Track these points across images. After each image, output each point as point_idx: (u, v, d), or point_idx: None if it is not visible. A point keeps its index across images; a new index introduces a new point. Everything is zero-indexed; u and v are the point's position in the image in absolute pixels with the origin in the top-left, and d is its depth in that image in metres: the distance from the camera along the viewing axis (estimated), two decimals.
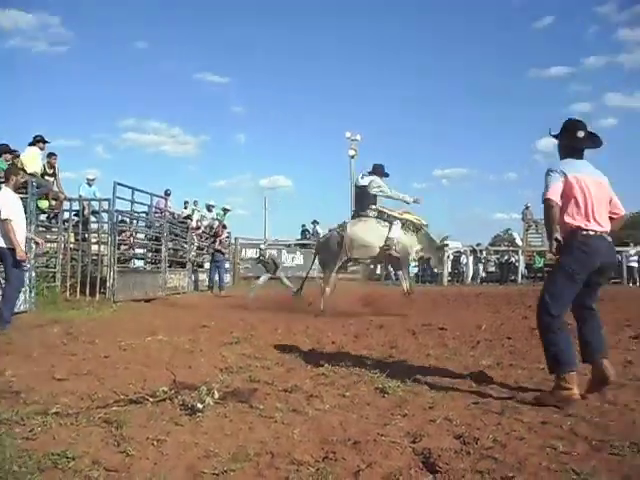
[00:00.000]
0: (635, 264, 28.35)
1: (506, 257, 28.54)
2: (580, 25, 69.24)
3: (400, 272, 12.84)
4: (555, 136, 4.91)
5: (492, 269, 29.05)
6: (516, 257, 28.14)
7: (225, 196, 79.54)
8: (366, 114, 68.92)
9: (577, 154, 4.79)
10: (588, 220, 4.55)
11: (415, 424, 3.88)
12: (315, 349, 6.90)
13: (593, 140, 4.87)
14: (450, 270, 27.55)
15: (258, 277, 23.97)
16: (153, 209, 17.19)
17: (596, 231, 4.54)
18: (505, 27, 69.52)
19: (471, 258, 27.89)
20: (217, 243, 18.97)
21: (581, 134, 4.78)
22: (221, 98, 71.57)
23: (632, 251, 29.01)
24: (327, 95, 75.72)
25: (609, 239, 4.61)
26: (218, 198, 52.84)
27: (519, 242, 30.01)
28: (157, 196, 17.45)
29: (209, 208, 22.31)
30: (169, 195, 19.72)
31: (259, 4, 72.14)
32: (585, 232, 4.53)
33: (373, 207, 12.27)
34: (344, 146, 34.66)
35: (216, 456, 3.27)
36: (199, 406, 4.08)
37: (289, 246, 26.76)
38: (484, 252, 28.55)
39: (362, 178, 12.40)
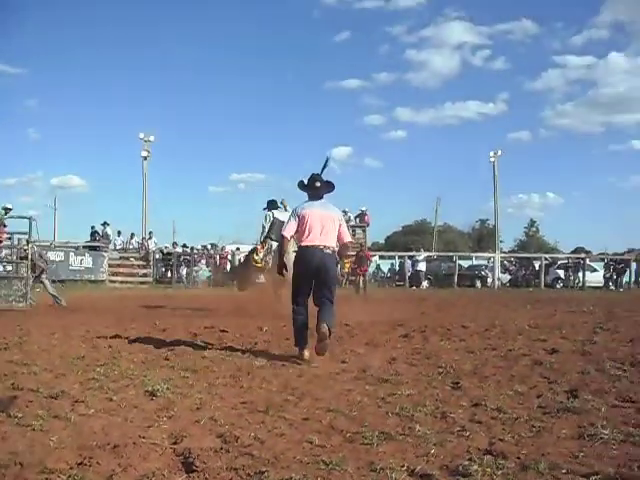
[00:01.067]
0: (423, 268, 30.32)
1: None
2: (373, 42, 73.44)
3: None
4: (302, 187, 7.02)
5: None
6: None
7: (14, 195, 74.19)
8: (161, 115, 67.92)
9: (316, 197, 6.90)
10: (308, 240, 6.60)
11: (180, 425, 3.89)
12: (90, 353, 6.65)
13: (327, 186, 7.04)
14: None
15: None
16: None
17: (312, 245, 6.57)
18: (304, 38, 71.95)
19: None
20: None
21: (318, 184, 6.92)
22: (11, 90, 66.58)
23: (421, 257, 31.01)
24: (123, 94, 73.54)
25: (326, 250, 6.58)
26: (6, 197, 49.15)
27: None
28: None
29: None
30: None
31: None
32: (304, 246, 6.67)
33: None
34: (138, 147, 33.98)
35: None
36: None
37: (77, 248, 25.63)
38: None
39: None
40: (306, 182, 7.01)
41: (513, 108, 69.60)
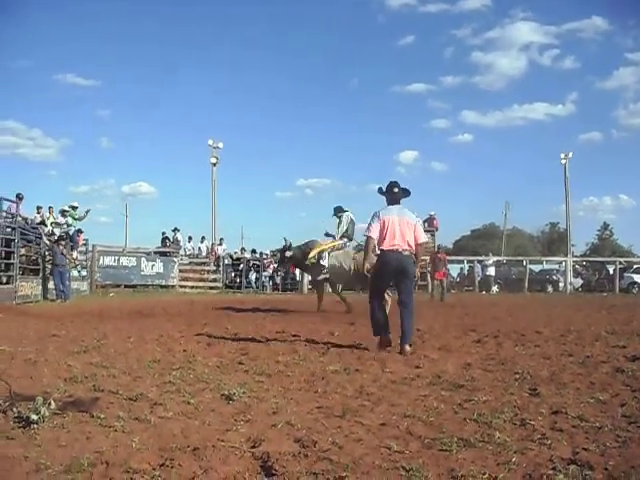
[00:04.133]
0: (493, 272, 29.88)
1: None
2: (438, 46, 72.81)
3: None
4: (381, 193, 7.70)
5: None
6: None
7: (87, 202, 76.34)
8: (229, 122, 69.05)
9: (394, 202, 7.59)
10: (389, 244, 7.31)
11: (257, 429, 3.90)
12: (165, 357, 6.76)
13: (404, 192, 7.70)
14: None
15: (117, 285, 23.47)
16: (4, 214, 16.34)
17: (392, 249, 7.30)
18: (369, 43, 71.96)
19: None
20: (61, 247, 18.12)
21: (396, 190, 7.61)
22: (86, 101, 68.81)
23: (490, 261, 30.53)
24: (191, 102, 74.85)
25: (404, 253, 7.32)
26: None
27: None
28: (8, 200, 16.63)
29: (63, 214, 21.49)
30: (21, 199, 18.67)
31: (126, 8, 70.29)
32: (384, 250, 7.37)
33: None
34: (207, 153, 34.49)
35: (47, 469, 3.13)
36: (34, 417, 3.88)
37: (149, 254, 26.17)
38: None
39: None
40: (385, 188, 7.69)
41: (583, 108, 67.63)
